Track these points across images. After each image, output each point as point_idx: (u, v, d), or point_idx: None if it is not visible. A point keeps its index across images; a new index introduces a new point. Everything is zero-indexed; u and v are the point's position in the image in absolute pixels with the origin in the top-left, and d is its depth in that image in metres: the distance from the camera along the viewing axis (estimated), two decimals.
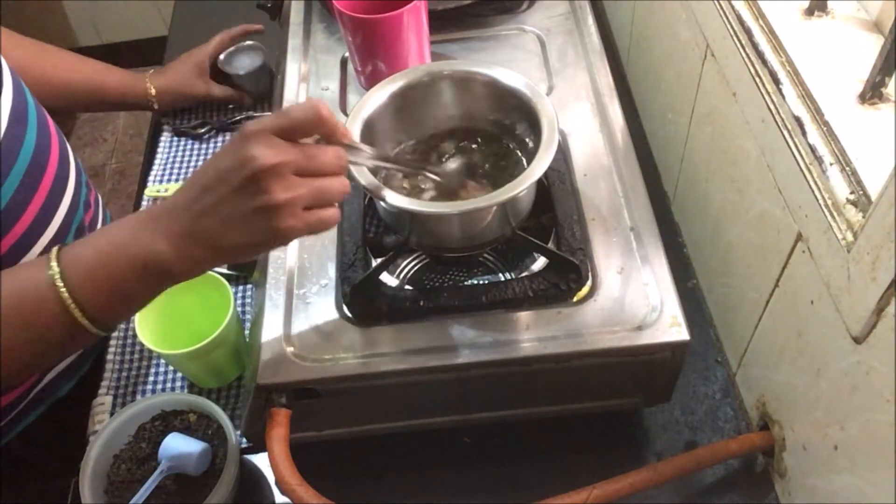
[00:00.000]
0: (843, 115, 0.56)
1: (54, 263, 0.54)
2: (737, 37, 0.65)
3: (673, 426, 0.76)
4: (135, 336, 0.82)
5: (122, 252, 0.53)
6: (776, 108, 0.60)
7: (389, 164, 0.64)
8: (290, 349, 0.66)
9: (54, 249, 0.55)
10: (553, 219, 0.72)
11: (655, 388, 0.71)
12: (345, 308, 0.68)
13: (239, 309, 0.85)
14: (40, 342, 0.56)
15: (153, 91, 1.02)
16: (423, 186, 0.70)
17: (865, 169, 0.52)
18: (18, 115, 0.71)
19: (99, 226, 0.87)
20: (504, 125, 0.73)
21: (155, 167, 1.02)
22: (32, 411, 0.84)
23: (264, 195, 0.50)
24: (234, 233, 0.51)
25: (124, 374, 0.82)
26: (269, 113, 1.02)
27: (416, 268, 0.75)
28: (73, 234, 0.78)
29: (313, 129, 0.52)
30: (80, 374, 0.88)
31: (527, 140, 0.71)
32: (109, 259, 0.54)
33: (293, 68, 0.90)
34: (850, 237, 0.51)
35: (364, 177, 0.62)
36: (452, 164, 0.71)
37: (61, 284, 0.53)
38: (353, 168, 0.62)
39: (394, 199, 0.62)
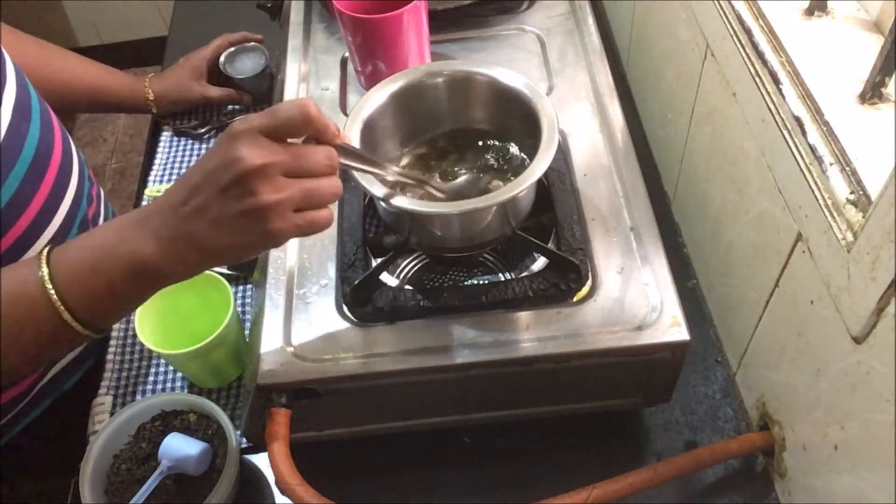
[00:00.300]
0: (843, 115, 0.56)
1: (44, 265, 0.53)
2: (737, 37, 0.65)
3: (673, 426, 0.76)
4: (135, 336, 0.82)
5: (112, 256, 0.52)
6: (776, 108, 0.60)
7: (384, 172, 0.61)
8: (290, 349, 0.66)
9: (44, 250, 0.55)
10: (553, 219, 0.72)
11: (655, 388, 0.71)
12: (345, 308, 0.68)
13: (239, 309, 0.85)
14: (33, 343, 0.55)
15: (151, 96, 1.03)
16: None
17: (865, 169, 0.52)
18: (22, 109, 0.71)
19: (101, 220, 0.87)
20: (504, 125, 0.73)
21: (155, 167, 1.03)
22: (37, 406, 0.84)
23: (251, 197, 0.48)
24: (222, 234, 0.50)
25: (124, 374, 0.82)
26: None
27: (416, 268, 0.75)
28: (77, 228, 0.78)
29: (302, 128, 0.51)
30: (84, 369, 0.88)
31: (527, 140, 0.71)
32: (99, 263, 0.53)
33: (293, 68, 0.89)
34: (850, 237, 0.51)
35: (364, 178, 0.62)
36: (458, 181, 0.71)
37: (50, 287, 0.53)
38: (353, 171, 0.61)
39: (393, 199, 0.62)
